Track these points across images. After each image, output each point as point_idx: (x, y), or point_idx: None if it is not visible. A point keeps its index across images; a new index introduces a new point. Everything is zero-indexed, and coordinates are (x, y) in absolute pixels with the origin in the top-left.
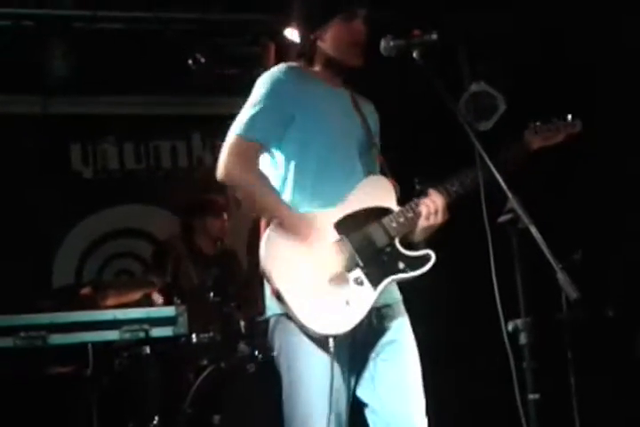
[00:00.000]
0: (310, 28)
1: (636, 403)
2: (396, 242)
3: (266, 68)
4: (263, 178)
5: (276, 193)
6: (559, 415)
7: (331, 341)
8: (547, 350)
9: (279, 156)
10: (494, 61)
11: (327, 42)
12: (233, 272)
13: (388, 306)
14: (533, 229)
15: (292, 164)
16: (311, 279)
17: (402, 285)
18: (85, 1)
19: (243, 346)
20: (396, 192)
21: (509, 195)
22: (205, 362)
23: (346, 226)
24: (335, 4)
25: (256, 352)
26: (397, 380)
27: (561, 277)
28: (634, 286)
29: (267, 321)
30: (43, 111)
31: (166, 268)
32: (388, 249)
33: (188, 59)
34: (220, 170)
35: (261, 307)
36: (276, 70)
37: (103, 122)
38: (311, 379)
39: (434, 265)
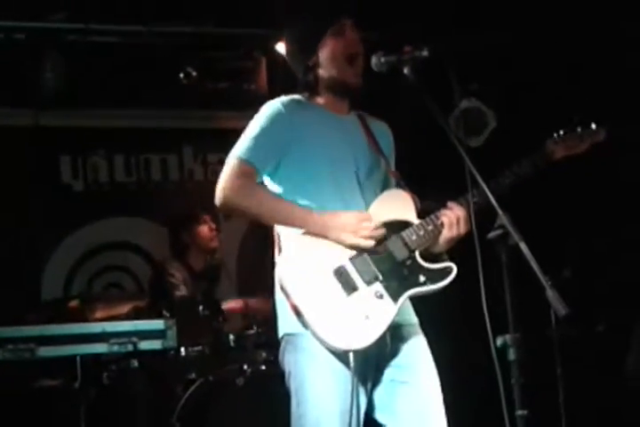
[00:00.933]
0: (306, 55)
1: (626, 419)
2: (417, 255)
3: (257, 83)
4: (266, 190)
5: (282, 200)
6: None
7: (351, 355)
8: (536, 366)
9: (278, 185)
10: (486, 80)
11: (325, 63)
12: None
13: (403, 327)
14: (523, 246)
15: (291, 193)
16: (330, 294)
17: None
18: (78, 14)
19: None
20: (416, 205)
21: (499, 211)
22: (194, 375)
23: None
24: (321, 20)
25: (245, 366)
26: (419, 404)
27: (550, 293)
28: (623, 302)
29: (278, 341)
30: (34, 123)
31: (161, 292)
32: (409, 262)
33: (180, 72)
34: (217, 195)
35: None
36: (277, 101)
37: (94, 135)
38: (320, 400)
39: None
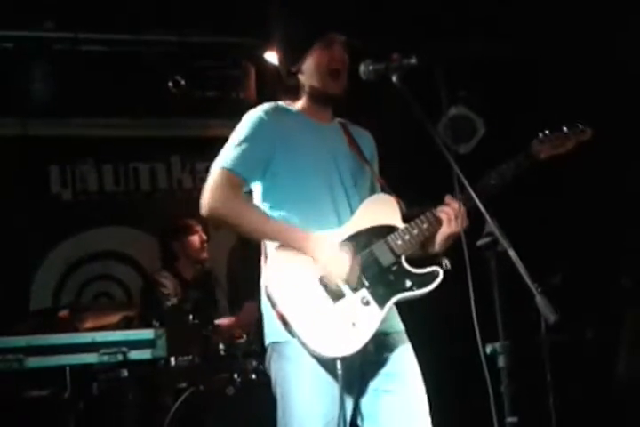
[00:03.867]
0: (291, 61)
1: (616, 425)
2: (403, 260)
3: (246, 92)
4: (251, 204)
5: (267, 215)
6: None
7: (338, 363)
8: (525, 373)
9: (263, 193)
10: (473, 88)
11: (308, 72)
12: (212, 294)
13: (387, 335)
14: (512, 253)
15: (275, 201)
16: (316, 302)
17: None
18: (66, 23)
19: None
20: (401, 209)
21: (488, 218)
22: (184, 385)
23: (350, 246)
24: (312, 30)
25: (235, 375)
26: (404, 413)
27: (539, 300)
28: (612, 309)
29: (265, 349)
30: (22, 133)
31: (150, 303)
32: (395, 267)
33: (169, 81)
34: (203, 205)
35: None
36: (260, 109)
37: (82, 144)
38: (305, 408)
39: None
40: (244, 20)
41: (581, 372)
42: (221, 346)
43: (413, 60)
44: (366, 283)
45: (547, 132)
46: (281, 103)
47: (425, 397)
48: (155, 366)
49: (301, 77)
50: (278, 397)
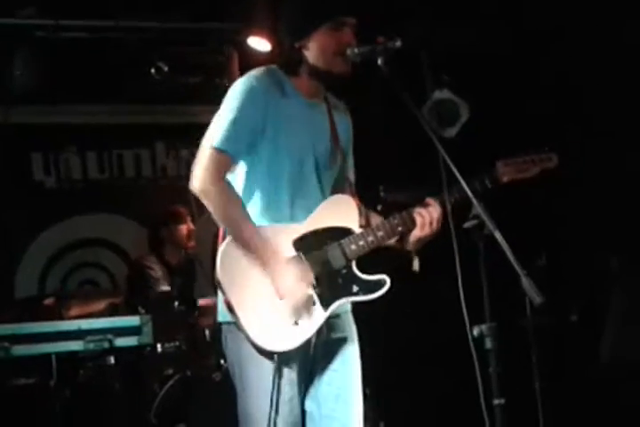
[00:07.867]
0: (296, 38)
1: (600, 408)
2: (353, 264)
3: (229, 77)
4: (232, 193)
5: (243, 211)
6: (524, 420)
7: (275, 357)
8: (512, 355)
9: (241, 166)
10: (457, 72)
11: (313, 51)
12: (195, 280)
13: (337, 316)
14: (498, 235)
15: (250, 176)
16: (263, 294)
17: None
18: (48, 10)
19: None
20: (360, 213)
21: (474, 201)
22: (171, 371)
23: (305, 244)
24: (321, 12)
25: (222, 361)
26: (341, 389)
27: (525, 282)
28: (597, 291)
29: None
30: (4, 121)
31: (138, 288)
32: (344, 271)
33: (151, 67)
34: (194, 183)
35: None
36: (253, 77)
37: (65, 131)
38: (263, 387)
39: (398, 274)
40: (227, 5)
41: (567, 354)
42: (207, 332)
43: (398, 43)
44: (314, 283)
45: (513, 154)
46: (275, 69)
47: (360, 377)
48: (141, 352)
49: (305, 53)
50: (237, 375)
